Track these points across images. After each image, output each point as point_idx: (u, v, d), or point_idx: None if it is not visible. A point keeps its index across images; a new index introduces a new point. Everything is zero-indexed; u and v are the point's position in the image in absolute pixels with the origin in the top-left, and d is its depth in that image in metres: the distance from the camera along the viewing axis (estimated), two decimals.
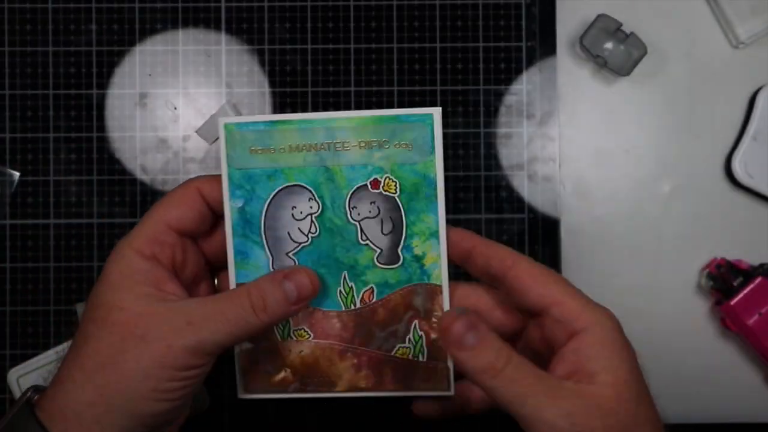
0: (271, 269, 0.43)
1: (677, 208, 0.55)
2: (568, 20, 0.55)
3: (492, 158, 0.55)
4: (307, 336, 0.43)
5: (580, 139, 0.55)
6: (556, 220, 0.55)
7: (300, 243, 0.43)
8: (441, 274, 0.43)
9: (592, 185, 0.55)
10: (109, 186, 0.55)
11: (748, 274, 0.53)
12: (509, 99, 0.55)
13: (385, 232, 0.43)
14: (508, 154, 0.55)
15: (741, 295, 0.52)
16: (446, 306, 0.43)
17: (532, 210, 0.55)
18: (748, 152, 0.54)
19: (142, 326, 0.38)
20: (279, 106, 0.55)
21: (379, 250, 0.43)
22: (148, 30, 0.55)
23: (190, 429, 0.54)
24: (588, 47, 0.53)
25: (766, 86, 0.54)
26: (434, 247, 0.43)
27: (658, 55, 0.55)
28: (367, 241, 0.43)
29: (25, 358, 0.54)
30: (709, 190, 0.55)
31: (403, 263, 0.43)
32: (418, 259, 0.43)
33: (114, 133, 0.55)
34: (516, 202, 0.55)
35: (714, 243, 0.54)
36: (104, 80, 0.55)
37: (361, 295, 0.43)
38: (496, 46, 0.55)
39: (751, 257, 0.54)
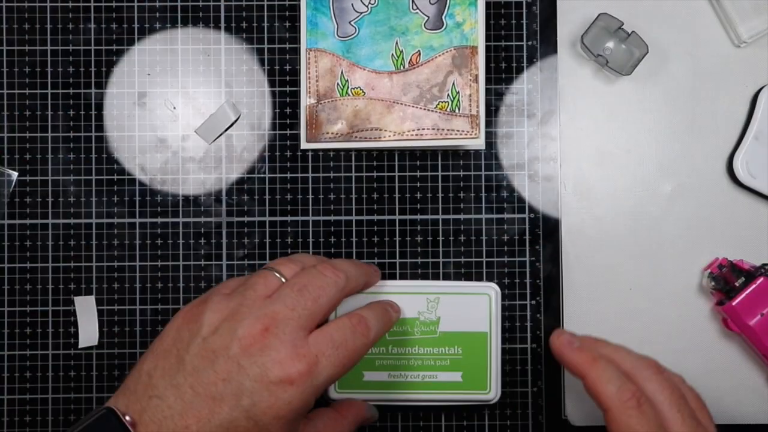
0: (336, 36, 0.52)
1: (679, 208, 0.55)
2: (569, 19, 0.55)
3: (492, 158, 0.55)
4: (362, 93, 0.52)
5: (581, 139, 0.55)
6: (556, 220, 0.54)
7: (360, 12, 0.52)
8: (478, 38, 0.52)
9: (593, 185, 0.55)
10: (108, 186, 0.54)
11: (750, 274, 0.52)
12: (510, 98, 0.55)
13: (432, 1, 0.51)
14: (508, 154, 0.55)
15: (743, 296, 0.51)
16: (481, 65, 0.51)
17: (532, 210, 0.55)
18: (749, 152, 0.53)
19: None
20: (279, 106, 0.55)
21: (426, 17, 0.51)
22: (147, 29, 0.55)
23: None
24: (589, 46, 0.53)
25: None
26: (473, 14, 0.51)
27: (659, 54, 0.54)
28: (417, 10, 0.51)
29: (23, 358, 0.54)
30: (711, 189, 0.54)
31: (446, 28, 0.51)
32: (459, 25, 0.51)
33: (113, 132, 0.55)
34: (516, 202, 0.55)
35: (716, 243, 0.54)
36: (103, 79, 0.55)
37: (410, 58, 0.52)
38: (496, 45, 0.54)
39: (753, 257, 0.54)
